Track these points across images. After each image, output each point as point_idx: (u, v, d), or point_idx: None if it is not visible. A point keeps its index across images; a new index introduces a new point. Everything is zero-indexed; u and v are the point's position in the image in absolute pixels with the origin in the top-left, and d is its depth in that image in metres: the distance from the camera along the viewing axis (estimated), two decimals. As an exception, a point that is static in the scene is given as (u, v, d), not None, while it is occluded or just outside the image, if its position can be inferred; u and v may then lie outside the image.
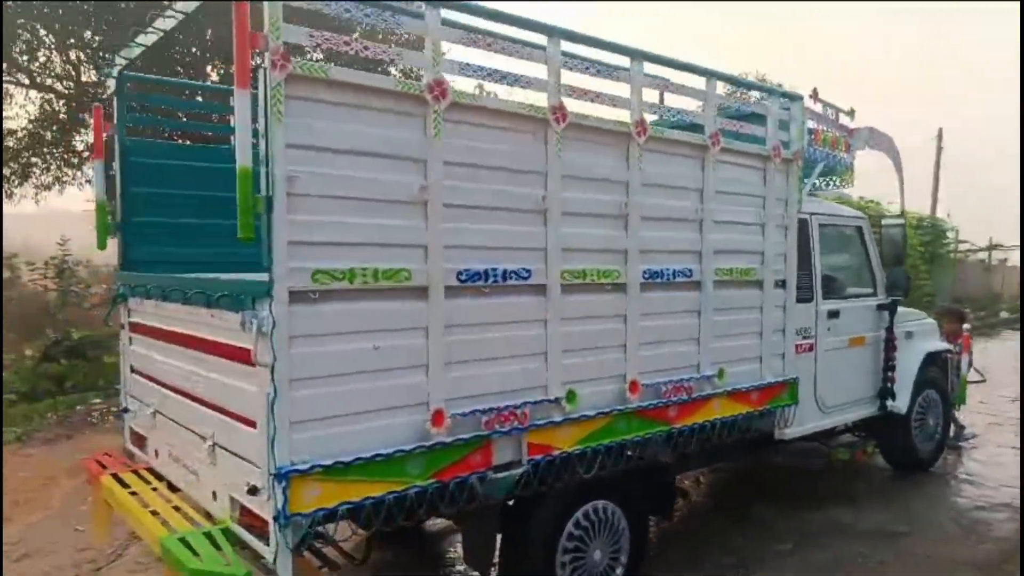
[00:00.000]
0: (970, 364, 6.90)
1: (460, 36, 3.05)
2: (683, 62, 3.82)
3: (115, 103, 3.97)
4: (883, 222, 5.76)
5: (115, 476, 3.58)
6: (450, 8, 2.97)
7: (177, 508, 3.12)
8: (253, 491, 2.60)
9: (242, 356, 2.65)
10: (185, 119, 5.16)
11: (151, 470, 3.66)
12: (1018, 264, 28.71)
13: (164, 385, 3.47)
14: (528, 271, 3.19)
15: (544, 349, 3.27)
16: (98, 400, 9.58)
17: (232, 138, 4.48)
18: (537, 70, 3.28)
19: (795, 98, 4.50)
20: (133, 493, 3.35)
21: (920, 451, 5.97)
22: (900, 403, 5.60)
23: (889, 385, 5.52)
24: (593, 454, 3.42)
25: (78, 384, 10.29)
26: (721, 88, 4.18)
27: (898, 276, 5.53)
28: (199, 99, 4.96)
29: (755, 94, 4.20)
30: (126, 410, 4.01)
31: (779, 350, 4.45)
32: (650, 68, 3.65)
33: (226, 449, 2.87)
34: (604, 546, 3.62)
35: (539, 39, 3.26)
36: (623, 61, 3.58)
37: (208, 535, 2.79)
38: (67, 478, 6.31)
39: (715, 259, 3.99)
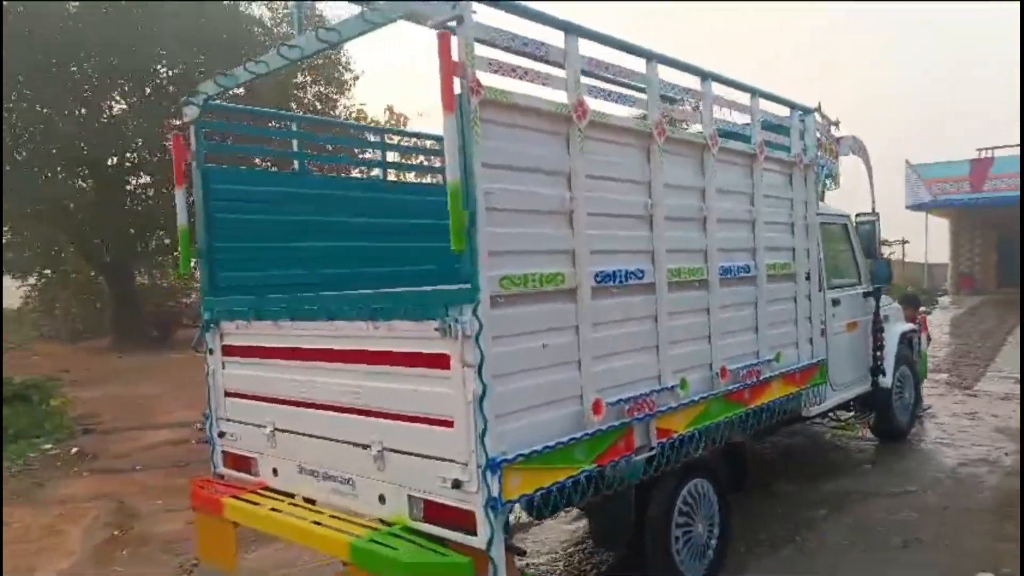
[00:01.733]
0: (928, 342, 7.77)
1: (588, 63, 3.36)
2: (739, 82, 4.28)
3: (193, 131, 4.01)
4: (857, 219, 6.49)
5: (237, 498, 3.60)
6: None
7: (333, 517, 3.21)
8: (457, 484, 2.78)
9: (435, 362, 2.83)
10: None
11: (267, 489, 3.70)
12: (911, 258, 31.60)
13: (293, 403, 3.54)
14: (642, 271, 3.53)
15: (657, 342, 3.61)
16: (50, 446, 9.09)
17: (294, 163, 4.64)
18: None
19: (809, 111, 5.07)
20: (274, 510, 3.40)
21: (900, 422, 6.70)
22: (887, 379, 6.30)
23: (879, 363, 6.20)
24: (698, 435, 3.78)
25: (22, 430, 9.69)
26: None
27: (880, 266, 6.25)
28: (272, 126, 4.95)
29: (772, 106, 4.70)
30: (221, 434, 4.01)
31: (810, 335, 4.98)
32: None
33: (404, 452, 3.01)
34: (703, 520, 3.97)
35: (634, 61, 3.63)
36: (695, 81, 4.01)
37: (393, 535, 2.93)
38: (69, 523, 6.05)
39: (765, 255, 4.47)
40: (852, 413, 6.58)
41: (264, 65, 3.56)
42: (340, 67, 26.60)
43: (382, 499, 3.13)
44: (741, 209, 4.31)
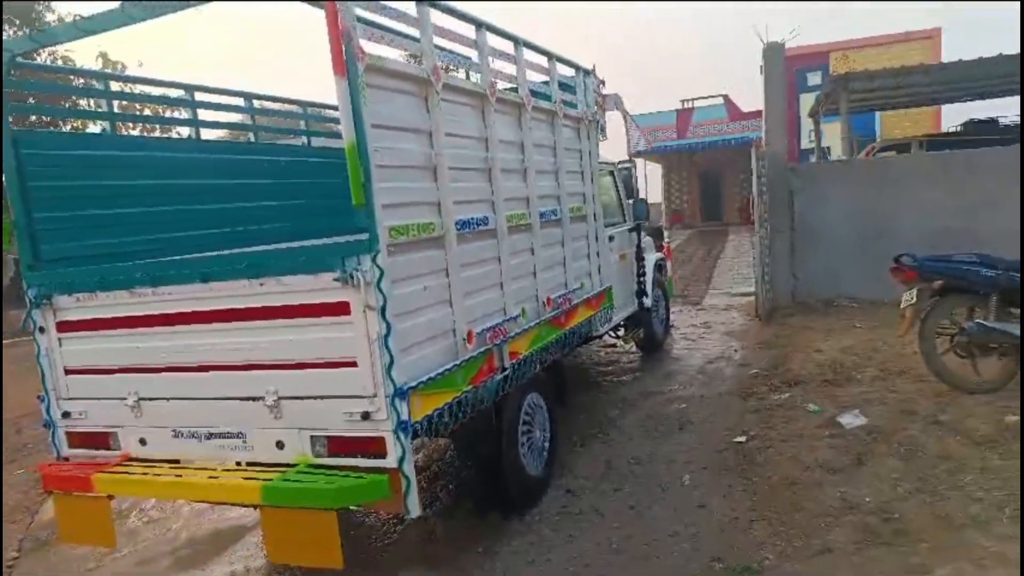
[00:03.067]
0: (671, 267, 9.29)
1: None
2: (540, 47, 4.89)
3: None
4: (619, 165, 7.58)
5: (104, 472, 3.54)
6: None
7: (226, 471, 3.36)
8: (365, 416, 3.11)
9: (335, 310, 3.10)
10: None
11: (132, 460, 3.67)
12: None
13: (161, 369, 3.54)
14: (487, 218, 4.04)
15: (501, 280, 4.17)
16: None
17: (119, 126, 4.40)
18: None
19: (588, 72, 5.87)
20: (158, 475, 3.42)
21: (658, 335, 8.07)
22: (648, 300, 7.55)
23: (643, 288, 7.41)
24: (535, 355, 4.44)
25: None
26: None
27: (639, 206, 7.39)
28: (78, 84, 4.28)
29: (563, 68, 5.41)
30: (66, 414, 3.82)
31: (599, 266, 5.88)
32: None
33: (302, 397, 3.24)
34: (539, 427, 4.68)
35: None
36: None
37: (302, 472, 3.19)
38: None
39: (567, 200, 5.21)
40: (622, 332, 7.77)
41: (93, 23, 3.39)
42: (38, 9, 23.07)
43: (279, 445, 3.34)
44: (548, 160, 4.97)
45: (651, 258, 7.93)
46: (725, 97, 30.41)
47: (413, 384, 3.15)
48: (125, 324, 3.60)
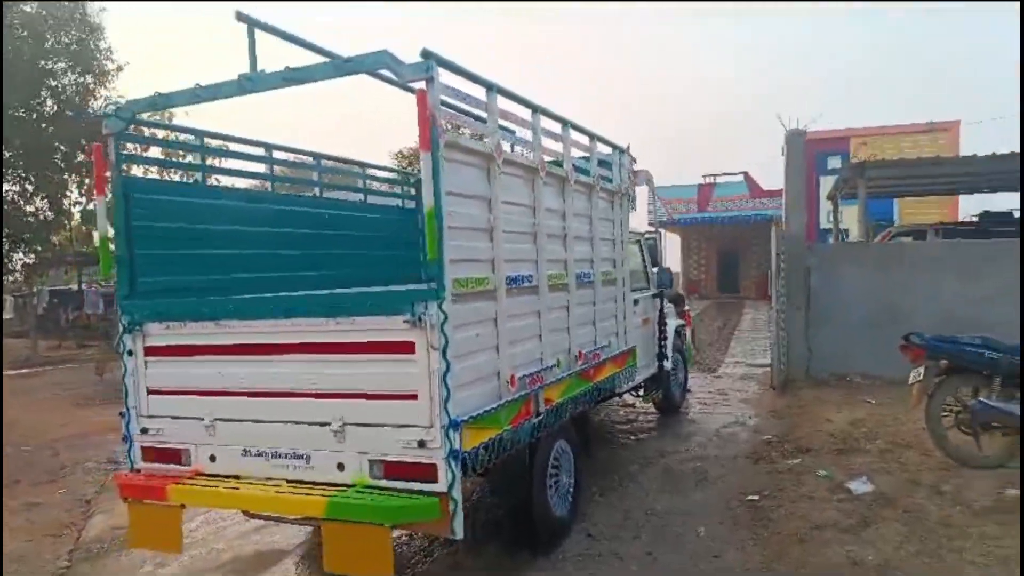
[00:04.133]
0: (693, 334, 9.68)
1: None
2: (583, 127, 5.44)
3: (113, 143, 4.22)
4: (644, 235, 8.07)
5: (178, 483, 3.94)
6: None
7: (290, 486, 3.74)
8: (421, 444, 3.51)
9: (401, 348, 3.53)
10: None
11: (201, 474, 4.07)
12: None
13: (236, 393, 3.97)
14: (532, 276, 4.50)
15: (540, 331, 4.60)
16: None
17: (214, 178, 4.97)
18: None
19: (623, 150, 6.42)
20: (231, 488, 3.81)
21: (676, 397, 8.41)
22: (668, 364, 7.93)
23: (663, 351, 7.80)
24: (567, 404, 4.83)
25: None
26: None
27: (663, 275, 7.85)
28: (188, 140, 4.90)
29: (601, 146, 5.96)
30: (144, 430, 4.25)
31: (625, 327, 6.31)
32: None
33: (364, 424, 3.65)
34: (565, 473, 5.03)
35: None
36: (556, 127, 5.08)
37: (359, 492, 3.57)
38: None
39: (599, 265, 5.68)
40: (642, 392, 8.12)
41: (211, 91, 3.95)
42: (100, 55, 24.41)
43: (340, 466, 3.73)
44: (585, 228, 5.46)
45: (672, 323, 8.34)
46: (745, 174, 31.23)
47: (464, 418, 3.55)
48: (209, 351, 4.05)
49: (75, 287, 27.26)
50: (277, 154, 5.58)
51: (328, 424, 3.72)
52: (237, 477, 3.97)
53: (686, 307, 9.76)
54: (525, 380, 4.24)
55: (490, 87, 4.05)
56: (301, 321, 3.78)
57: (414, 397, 3.55)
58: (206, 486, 3.89)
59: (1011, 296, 9.07)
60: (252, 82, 3.83)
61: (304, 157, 6.00)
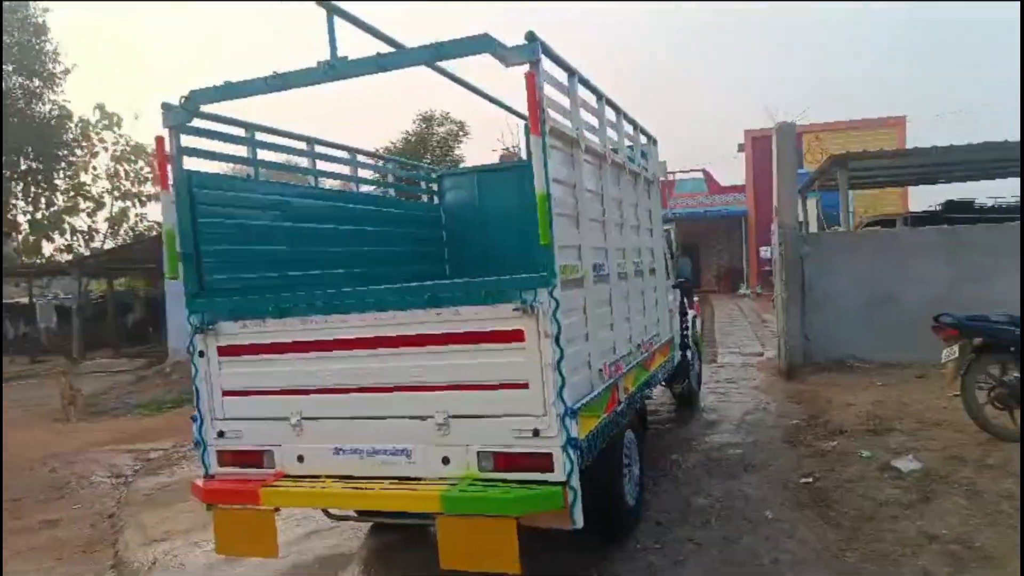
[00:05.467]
0: (701, 324, 9.79)
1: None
2: (632, 117, 5.44)
3: (175, 136, 4.04)
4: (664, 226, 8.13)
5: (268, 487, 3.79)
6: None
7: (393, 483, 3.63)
8: (536, 433, 3.44)
9: (510, 337, 3.46)
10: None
11: (286, 476, 3.92)
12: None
13: (326, 391, 3.83)
14: (603, 264, 4.47)
15: (612, 320, 4.57)
16: None
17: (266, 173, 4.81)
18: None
19: (655, 140, 6.45)
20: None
21: (694, 387, 8.49)
22: (690, 353, 8.00)
23: (686, 340, 7.86)
24: (637, 393, 4.82)
25: None
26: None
27: (684, 264, 7.92)
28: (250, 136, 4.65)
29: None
30: (221, 434, 4.07)
31: (667, 318, 6.33)
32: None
33: (471, 416, 3.56)
34: (634, 462, 5.01)
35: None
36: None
37: (472, 484, 3.49)
38: None
39: (646, 254, 5.69)
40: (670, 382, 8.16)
41: (292, 79, 3.81)
42: (45, 57, 23.44)
43: (445, 460, 3.63)
44: (634, 216, 5.47)
45: (690, 313, 8.42)
46: (704, 171, 31.85)
47: (577, 406, 3.50)
48: (294, 349, 3.90)
49: (25, 300, 26.12)
50: (317, 148, 5.43)
51: (431, 417, 3.63)
52: (328, 477, 3.84)
53: (696, 298, 9.88)
54: (610, 369, 4.21)
55: (572, 72, 4.01)
56: (398, 314, 3.68)
57: (525, 386, 3.48)
58: (301, 487, 3.74)
59: (998, 277, 9.45)
60: (335, 69, 3.71)
61: (339, 152, 5.85)
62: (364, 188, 6.31)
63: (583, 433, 3.58)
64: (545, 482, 3.44)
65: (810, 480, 5.60)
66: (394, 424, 3.72)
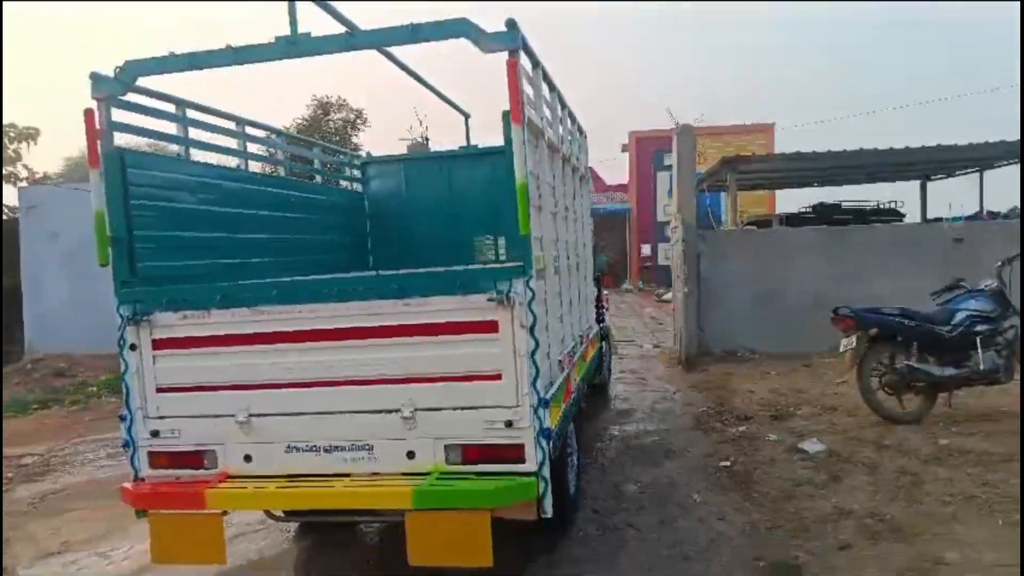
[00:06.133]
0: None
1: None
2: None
3: (106, 108, 3.69)
4: None
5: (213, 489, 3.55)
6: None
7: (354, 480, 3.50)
8: (509, 424, 3.42)
9: (484, 327, 3.42)
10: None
11: (231, 477, 3.69)
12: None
13: (276, 385, 3.63)
14: (558, 256, 4.51)
15: (562, 311, 4.62)
16: None
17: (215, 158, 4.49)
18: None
19: (585, 135, 6.56)
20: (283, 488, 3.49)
21: (606, 377, 8.74)
22: (604, 345, 8.22)
23: (602, 331, 8.08)
24: (580, 383, 4.90)
25: None
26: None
27: (601, 259, 8.12)
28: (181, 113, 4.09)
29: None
30: (155, 433, 3.76)
31: (592, 309, 6.48)
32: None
33: (438, 408, 3.49)
34: (573, 450, 5.09)
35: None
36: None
37: (440, 478, 3.42)
38: None
39: (580, 248, 5.79)
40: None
41: (246, 54, 3.56)
42: None
43: (410, 454, 3.54)
44: (574, 210, 5.55)
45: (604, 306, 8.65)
46: (591, 170, 32.73)
47: (548, 396, 3.52)
48: (242, 341, 3.66)
49: None
50: (249, 130, 5.12)
51: (397, 411, 3.53)
52: (279, 476, 3.65)
53: (604, 291, 10.16)
54: (565, 359, 4.26)
55: (537, 63, 4.01)
56: (361, 304, 3.54)
57: (498, 377, 3.46)
58: (254, 488, 3.53)
59: (875, 274, 10.37)
60: (297, 45, 3.51)
61: (262, 133, 5.54)
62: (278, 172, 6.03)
63: (553, 422, 3.60)
64: (515, 473, 3.44)
65: (728, 464, 5.91)
66: (355, 419, 3.59)
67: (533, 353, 3.41)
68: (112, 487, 6.56)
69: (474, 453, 3.50)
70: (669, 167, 34.39)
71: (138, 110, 3.95)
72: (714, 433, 6.87)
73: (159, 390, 3.77)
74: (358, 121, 18.46)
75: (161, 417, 3.77)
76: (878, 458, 5.69)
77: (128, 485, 3.77)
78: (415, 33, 3.41)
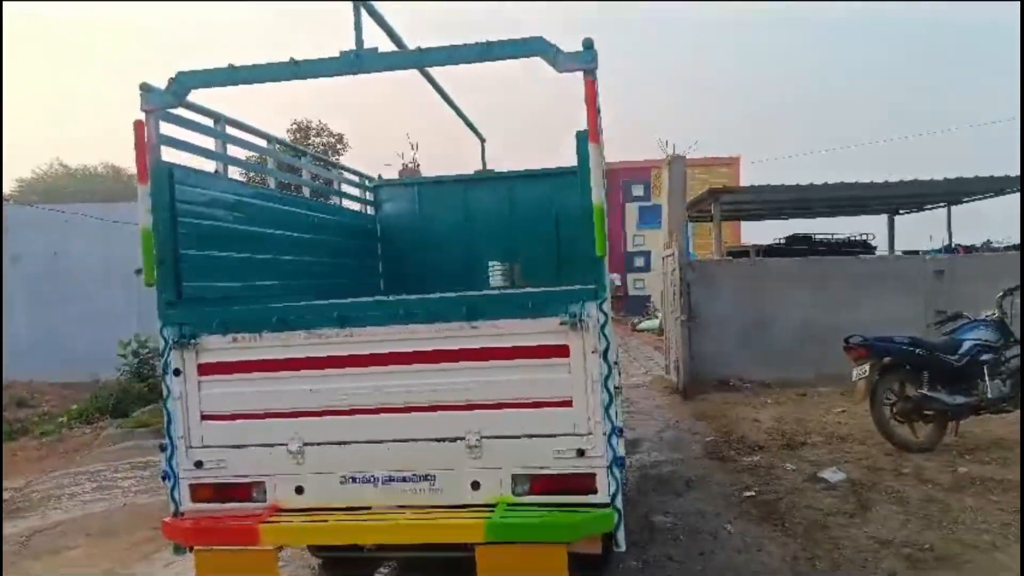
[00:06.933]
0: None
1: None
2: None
3: (155, 121, 3.54)
4: None
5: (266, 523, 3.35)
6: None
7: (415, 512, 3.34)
8: (580, 453, 3.31)
9: (554, 352, 3.32)
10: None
11: (281, 510, 3.49)
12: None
13: (332, 412, 3.46)
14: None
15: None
16: None
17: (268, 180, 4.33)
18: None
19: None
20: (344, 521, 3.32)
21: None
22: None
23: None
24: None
25: None
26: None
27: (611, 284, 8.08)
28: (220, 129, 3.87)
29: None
30: (199, 463, 3.55)
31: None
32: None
33: (506, 437, 3.36)
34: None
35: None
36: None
37: (511, 510, 3.29)
38: None
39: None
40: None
41: (294, 68, 3.44)
42: None
43: (475, 485, 3.39)
44: None
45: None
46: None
47: (620, 424, 3.42)
48: (296, 366, 3.50)
49: None
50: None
51: (462, 439, 3.39)
52: (332, 509, 3.46)
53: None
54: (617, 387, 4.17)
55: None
56: (424, 327, 3.41)
57: (568, 404, 3.35)
58: (313, 522, 3.34)
59: (859, 302, 10.59)
60: (362, 61, 3.42)
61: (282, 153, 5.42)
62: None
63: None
64: (586, 505, 3.32)
65: (752, 494, 5.87)
66: (416, 447, 3.43)
67: (606, 380, 3.32)
68: (110, 522, 6.25)
69: (542, 484, 3.37)
70: (638, 198, 35.17)
71: (188, 125, 3.80)
72: (729, 462, 6.83)
73: (204, 417, 3.57)
74: (339, 146, 18.33)
75: (206, 447, 3.56)
76: (900, 487, 5.71)
77: (168, 519, 3.53)
78: (487, 51, 3.34)
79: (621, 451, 3.33)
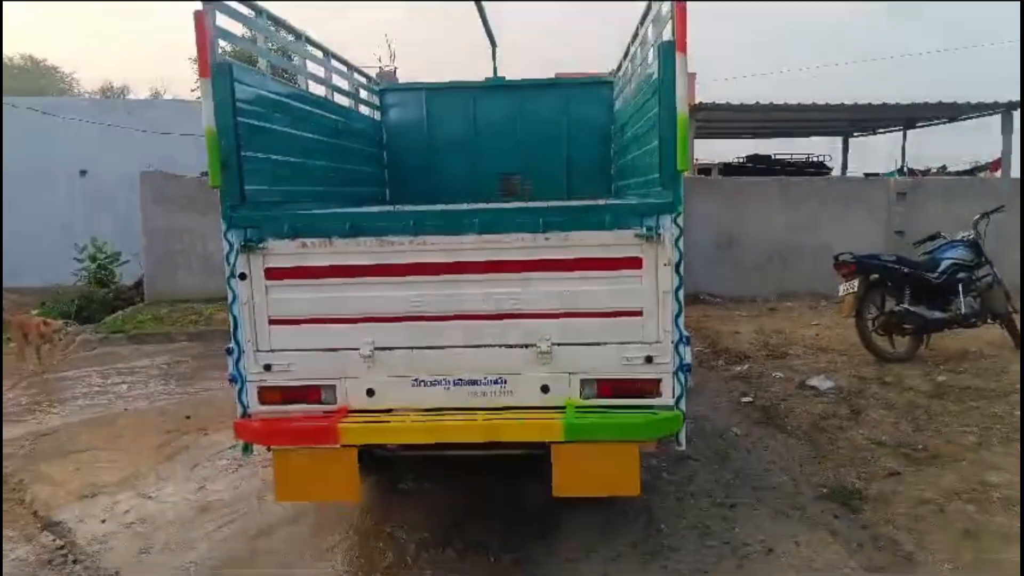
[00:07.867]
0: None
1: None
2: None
3: (213, 13, 3.35)
4: None
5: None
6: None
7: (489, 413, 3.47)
8: (649, 359, 3.47)
9: (627, 264, 3.41)
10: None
11: (352, 411, 3.57)
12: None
13: (406, 318, 3.50)
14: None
15: None
16: None
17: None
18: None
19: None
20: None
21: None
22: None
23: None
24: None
25: None
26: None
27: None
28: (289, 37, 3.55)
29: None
30: (267, 367, 3.56)
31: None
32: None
33: (576, 344, 3.47)
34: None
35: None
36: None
37: (580, 411, 3.45)
38: None
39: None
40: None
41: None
42: None
43: (545, 389, 3.52)
44: None
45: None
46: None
47: (688, 333, 3.57)
48: (368, 272, 3.49)
49: None
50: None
51: (534, 346, 3.49)
52: (404, 410, 3.56)
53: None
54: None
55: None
56: (497, 237, 3.44)
57: (639, 313, 3.48)
58: (389, 421, 3.44)
59: (816, 224, 11.05)
60: None
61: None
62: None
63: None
64: (651, 407, 3.50)
65: (750, 400, 6.24)
66: (488, 353, 3.52)
67: (677, 290, 3.45)
68: (115, 427, 6.21)
69: (610, 388, 3.52)
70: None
71: (237, 18, 3.60)
72: (719, 371, 7.20)
73: (272, 322, 3.56)
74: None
75: (274, 350, 3.57)
76: (886, 394, 6.16)
77: (239, 420, 3.57)
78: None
79: (688, 358, 3.50)
